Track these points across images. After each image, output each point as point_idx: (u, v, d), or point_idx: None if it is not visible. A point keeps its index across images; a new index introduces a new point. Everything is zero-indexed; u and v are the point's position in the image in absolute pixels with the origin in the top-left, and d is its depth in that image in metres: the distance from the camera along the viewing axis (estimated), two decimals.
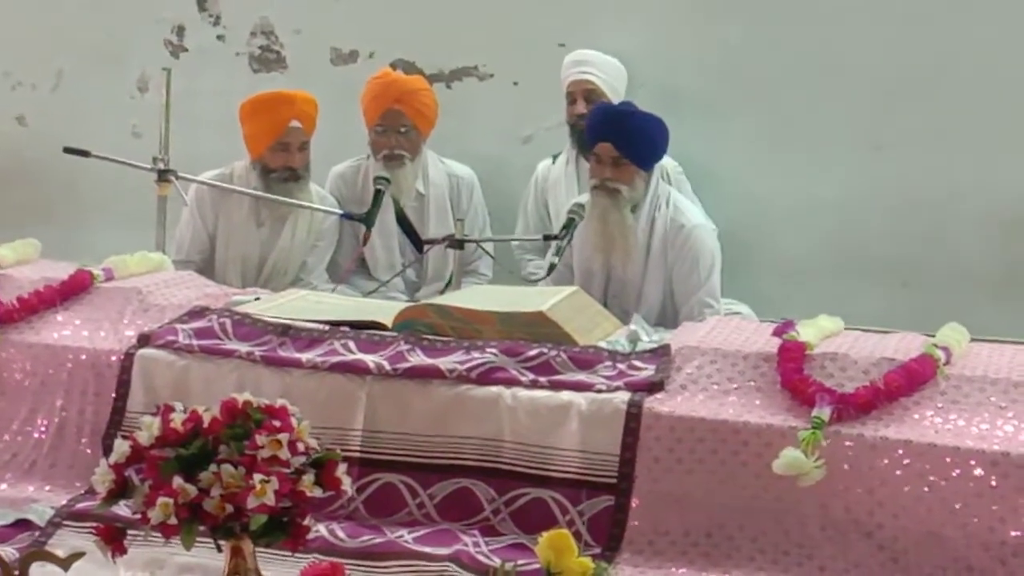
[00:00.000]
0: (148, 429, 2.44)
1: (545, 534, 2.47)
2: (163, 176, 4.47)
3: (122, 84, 5.63)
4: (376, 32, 5.37)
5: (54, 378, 3.38)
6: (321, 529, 3.00)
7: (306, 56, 5.47)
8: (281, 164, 4.63)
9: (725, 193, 4.97)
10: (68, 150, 4.55)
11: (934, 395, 2.99)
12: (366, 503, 3.13)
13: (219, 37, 5.57)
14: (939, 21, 4.85)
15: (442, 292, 4.47)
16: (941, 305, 4.64)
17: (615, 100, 4.80)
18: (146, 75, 5.59)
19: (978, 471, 2.81)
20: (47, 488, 3.26)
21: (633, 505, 2.99)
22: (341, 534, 3.04)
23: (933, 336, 3.20)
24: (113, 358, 3.36)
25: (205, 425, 2.45)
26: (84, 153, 4.53)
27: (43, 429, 3.36)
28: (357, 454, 3.13)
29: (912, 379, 2.97)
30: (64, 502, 3.17)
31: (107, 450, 3.19)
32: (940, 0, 4.86)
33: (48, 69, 5.73)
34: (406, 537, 3.03)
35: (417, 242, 4.88)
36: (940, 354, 3.05)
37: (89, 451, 3.29)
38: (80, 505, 3.14)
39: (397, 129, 4.79)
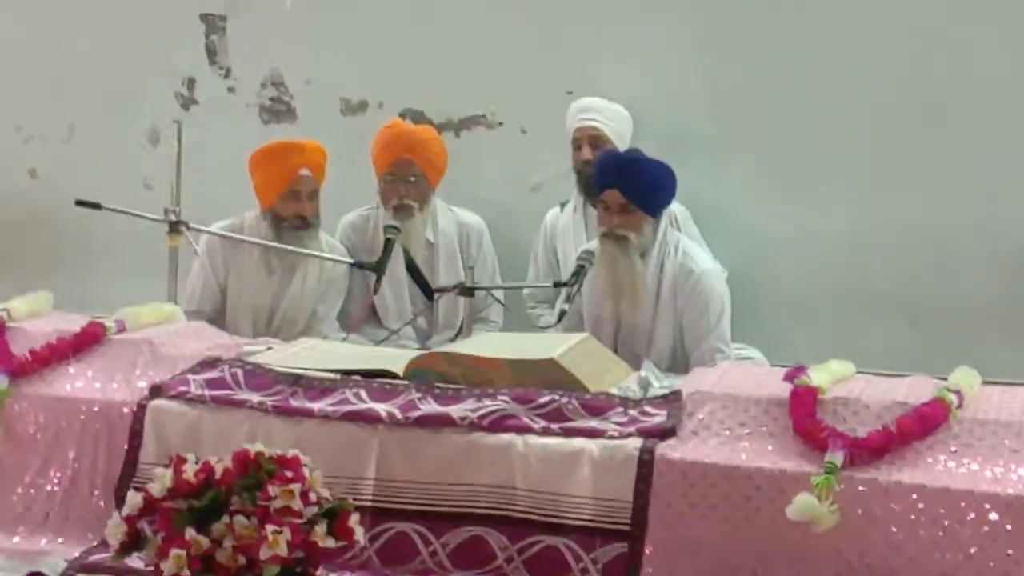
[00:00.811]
0: (160, 480, 2.45)
1: None
2: (174, 227, 4.49)
3: (133, 136, 5.68)
4: (385, 82, 5.41)
5: (67, 430, 3.39)
6: None
7: (316, 106, 5.51)
8: (292, 212, 4.66)
9: (732, 233, 4.99)
10: (80, 203, 4.58)
11: (947, 439, 2.98)
12: (379, 552, 3.12)
13: (230, 89, 5.62)
14: (942, 57, 4.88)
15: (453, 340, 4.47)
16: (948, 342, 4.68)
17: (621, 146, 4.83)
18: (157, 127, 5.63)
19: (993, 515, 2.80)
20: (60, 541, 3.25)
21: (647, 552, 2.98)
22: None
23: (945, 379, 3.19)
24: (125, 409, 3.36)
25: (217, 476, 2.46)
26: (96, 206, 4.56)
27: (56, 481, 3.36)
28: (369, 503, 3.12)
29: (925, 423, 2.96)
30: (77, 555, 3.17)
31: (120, 502, 3.18)
32: (942, 36, 4.89)
33: (60, 122, 5.78)
34: None
35: (427, 291, 4.89)
36: (952, 398, 3.04)
37: (102, 503, 3.29)
38: (93, 558, 3.13)
39: (407, 179, 4.82)
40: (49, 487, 3.36)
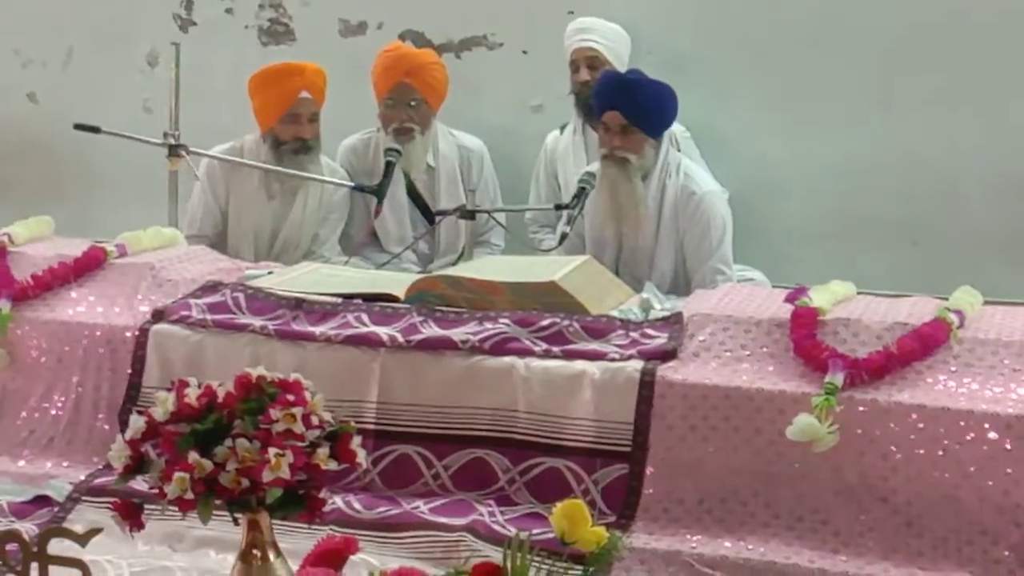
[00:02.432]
0: (163, 405, 2.45)
1: (559, 504, 2.48)
2: (174, 151, 4.47)
3: (132, 59, 5.63)
4: (385, 3, 5.35)
5: (69, 355, 3.40)
6: (337, 501, 3.02)
7: (315, 28, 5.46)
8: (291, 136, 4.63)
9: (732, 157, 4.96)
10: (79, 126, 4.54)
11: (947, 359, 2.99)
12: (381, 475, 3.15)
13: (227, 10, 5.56)
14: None
15: (454, 263, 4.46)
16: (951, 265, 4.68)
17: (619, 67, 4.79)
18: (156, 50, 5.59)
19: (992, 434, 2.81)
20: (65, 464, 3.28)
21: (647, 473, 3.00)
22: (357, 506, 3.06)
23: (946, 299, 3.20)
24: (128, 334, 3.37)
25: (220, 400, 2.46)
26: (95, 129, 4.52)
27: (60, 405, 3.38)
28: (372, 426, 3.14)
29: (925, 344, 2.97)
30: (82, 478, 3.20)
31: (123, 425, 3.22)
32: None
33: (58, 46, 5.74)
34: (422, 508, 3.05)
35: (428, 214, 4.88)
36: (953, 318, 3.04)
37: (106, 427, 3.31)
38: (98, 480, 3.17)
39: (407, 103, 4.78)
40: (53, 411, 3.38)
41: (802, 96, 5.02)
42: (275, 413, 2.42)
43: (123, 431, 3.07)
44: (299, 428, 2.41)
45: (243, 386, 2.48)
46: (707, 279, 4.20)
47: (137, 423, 2.46)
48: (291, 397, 2.45)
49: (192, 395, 2.45)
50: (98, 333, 3.40)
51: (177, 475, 2.35)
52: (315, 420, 2.46)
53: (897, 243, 4.96)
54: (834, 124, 4.99)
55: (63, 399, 3.38)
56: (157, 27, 5.57)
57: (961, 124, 4.87)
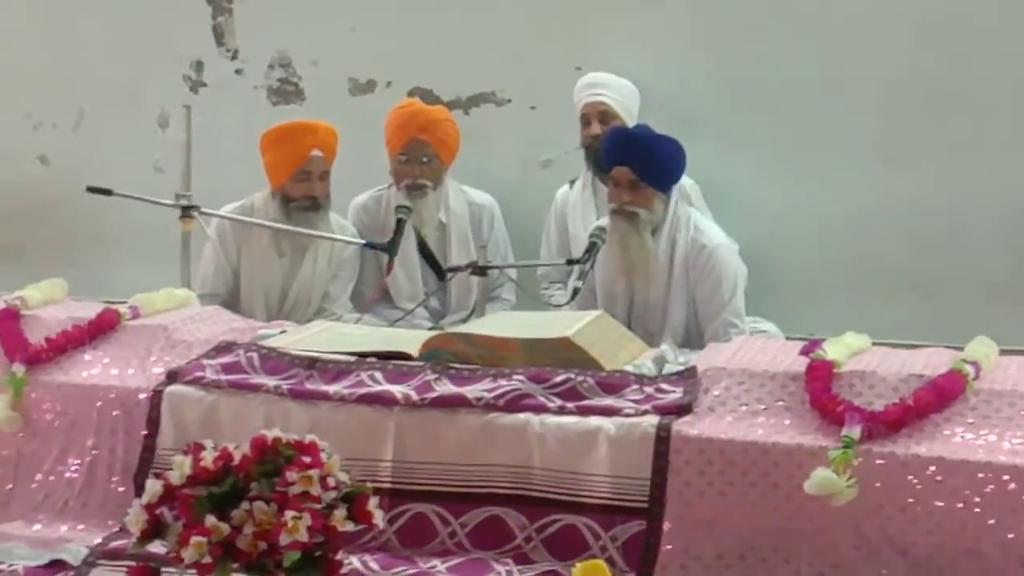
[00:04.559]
0: (179, 468, 2.46)
1: (579, 564, 2.46)
2: (186, 212, 4.49)
3: (143, 121, 5.67)
4: (393, 61, 5.40)
5: (84, 417, 3.39)
6: (354, 561, 3.00)
7: (324, 87, 5.50)
8: (302, 193, 4.66)
9: (740, 210, 4.98)
10: (91, 189, 4.56)
11: (964, 411, 2.97)
12: (398, 534, 3.13)
13: (237, 71, 5.61)
14: (947, 33, 4.87)
15: (466, 320, 4.47)
16: (962, 313, 4.68)
17: (629, 122, 4.82)
18: (166, 111, 5.63)
19: (1012, 486, 2.79)
20: (80, 527, 3.27)
21: (665, 529, 2.98)
22: (374, 566, 3.04)
23: (960, 349, 3.19)
24: (142, 395, 3.37)
25: (236, 462, 2.47)
26: (107, 192, 4.54)
27: (74, 469, 3.37)
28: (387, 485, 3.13)
29: (942, 395, 2.96)
30: (97, 541, 3.18)
31: (139, 488, 3.20)
32: (948, 12, 4.88)
33: (69, 108, 5.77)
34: (439, 567, 3.03)
35: (439, 271, 4.88)
36: (969, 369, 3.03)
37: (121, 489, 3.30)
38: (114, 544, 3.15)
39: (420, 159, 4.81)
40: (68, 474, 3.37)
41: (809, 149, 5.05)
42: (292, 475, 2.42)
43: (138, 493, 3.08)
44: (316, 490, 2.42)
45: (259, 448, 2.49)
46: (720, 332, 4.20)
47: (154, 487, 2.46)
48: (307, 459, 2.46)
49: (208, 458, 2.46)
50: (112, 395, 3.40)
51: (195, 539, 2.35)
52: (331, 482, 2.46)
53: (906, 292, 4.97)
54: (841, 176, 5.02)
55: (78, 462, 3.37)
56: (167, 88, 5.61)
57: (965, 173, 4.89)
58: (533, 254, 5.03)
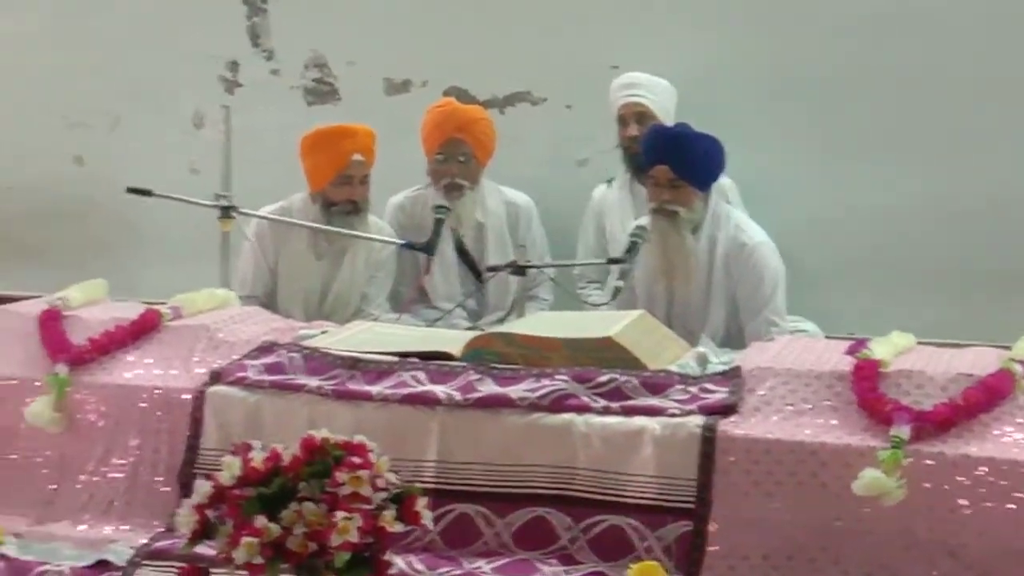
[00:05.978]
0: (229, 469, 2.46)
1: (634, 566, 2.45)
2: (226, 212, 4.49)
3: (178, 121, 5.67)
4: (428, 60, 5.39)
5: (128, 418, 3.40)
6: (399, 562, 3.00)
7: (359, 87, 5.49)
8: (343, 197, 4.65)
9: (776, 208, 4.94)
10: (132, 190, 4.57)
11: (1013, 411, 2.96)
12: (442, 534, 3.12)
13: (273, 71, 5.61)
14: (983, 30, 4.84)
15: (504, 319, 4.46)
16: (1004, 309, 4.63)
17: (666, 121, 4.79)
18: (201, 111, 5.63)
19: None
20: (125, 528, 3.28)
21: (711, 530, 2.97)
22: (419, 566, 3.04)
23: (1008, 349, 3.16)
24: (185, 396, 3.37)
25: (285, 463, 2.46)
26: (147, 192, 4.55)
27: (119, 469, 3.38)
28: (431, 485, 3.12)
29: (991, 395, 2.94)
30: (143, 542, 3.19)
31: (183, 488, 3.22)
32: (982, 10, 4.85)
33: (105, 109, 5.78)
34: (484, 568, 3.03)
35: (476, 271, 4.88)
36: (1018, 368, 3.01)
37: (165, 489, 3.31)
38: (159, 544, 3.15)
39: (457, 158, 4.81)
40: (112, 475, 3.38)
41: (846, 146, 5.01)
42: (341, 476, 2.42)
43: (183, 493, 3.10)
44: (366, 491, 2.41)
45: (308, 449, 2.49)
46: (761, 331, 4.18)
47: (203, 488, 2.46)
48: (357, 460, 2.45)
49: (258, 459, 2.46)
50: (155, 396, 3.41)
51: (245, 540, 2.35)
52: (381, 482, 2.45)
53: (945, 291, 4.93)
54: (878, 172, 4.99)
55: (122, 462, 3.38)
56: (203, 89, 5.61)
57: (1005, 165, 4.86)
58: (566, 253, 5.01)
